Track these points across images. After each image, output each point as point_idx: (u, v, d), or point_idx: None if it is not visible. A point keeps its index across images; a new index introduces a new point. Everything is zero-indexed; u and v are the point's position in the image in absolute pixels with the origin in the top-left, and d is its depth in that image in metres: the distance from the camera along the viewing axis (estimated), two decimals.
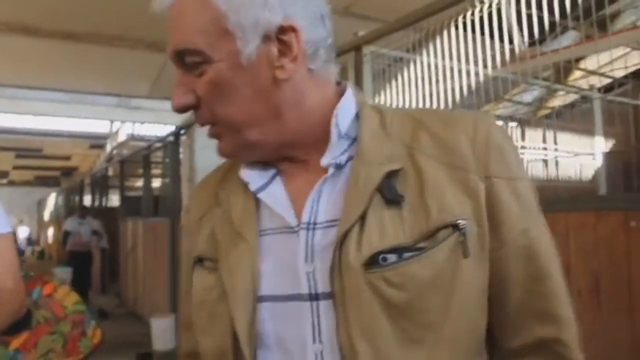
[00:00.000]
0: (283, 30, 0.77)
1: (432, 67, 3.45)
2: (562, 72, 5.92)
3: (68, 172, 21.20)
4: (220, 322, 0.81)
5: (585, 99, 5.68)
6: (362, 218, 0.75)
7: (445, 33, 3.38)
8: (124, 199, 10.70)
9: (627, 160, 4.70)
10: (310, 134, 0.83)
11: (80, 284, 8.46)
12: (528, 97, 6.66)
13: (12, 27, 4.71)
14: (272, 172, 0.87)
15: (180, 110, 0.82)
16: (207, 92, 0.79)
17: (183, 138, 6.67)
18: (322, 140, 0.81)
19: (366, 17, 4.88)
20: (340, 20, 4.76)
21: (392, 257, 0.73)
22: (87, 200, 14.49)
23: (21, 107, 6.50)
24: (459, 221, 0.74)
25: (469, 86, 3.57)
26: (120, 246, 10.11)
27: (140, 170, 9.24)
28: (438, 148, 0.79)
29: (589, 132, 5.41)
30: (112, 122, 7.53)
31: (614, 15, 5.79)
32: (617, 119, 5.17)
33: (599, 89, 6.20)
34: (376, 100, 3.44)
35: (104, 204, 12.91)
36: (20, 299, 1.73)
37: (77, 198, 15.72)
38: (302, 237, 0.79)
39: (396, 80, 3.51)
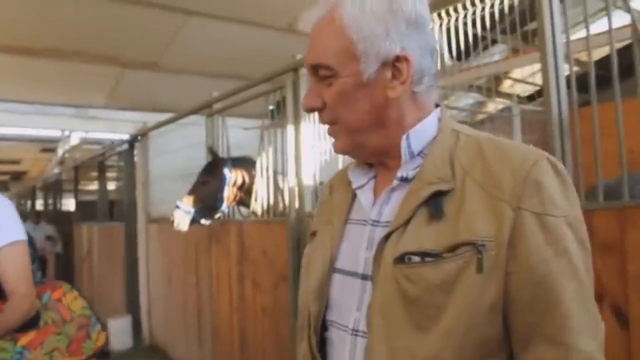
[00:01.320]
0: (398, 59, 0.94)
1: None
2: (496, 80, 6.41)
3: (17, 176, 20.81)
4: (305, 284, 1.07)
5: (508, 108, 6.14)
6: (406, 225, 0.91)
7: None
8: (78, 203, 10.66)
9: None
10: (399, 148, 0.98)
11: None
12: (463, 102, 7.08)
13: None
14: (371, 175, 1.06)
15: (310, 110, 1.02)
16: (333, 100, 0.97)
17: (137, 144, 6.83)
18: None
19: (308, 34, 5.19)
20: (283, 38, 5.05)
21: (416, 259, 0.88)
22: (40, 204, 14.33)
23: None
24: (479, 241, 0.85)
25: None
26: (75, 251, 10.06)
27: (94, 174, 9.33)
28: (486, 176, 0.90)
29: (509, 139, 5.86)
30: (70, 131, 7.75)
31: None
32: (536, 127, 5.58)
33: (522, 98, 6.71)
34: (311, 115, 3.83)
35: (57, 208, 12.84)
36: (31, 302, 1.89)
37: (29, 203, 15.51)
38: (367, 230, 1.00)
39: None
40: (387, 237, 0.93)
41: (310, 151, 3.79)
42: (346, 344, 0.97)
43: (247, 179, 4.19)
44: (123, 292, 7.06)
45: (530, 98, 6.91)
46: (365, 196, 1.04)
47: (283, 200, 4.05)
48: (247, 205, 4.26)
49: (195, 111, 5.18)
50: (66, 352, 1.96)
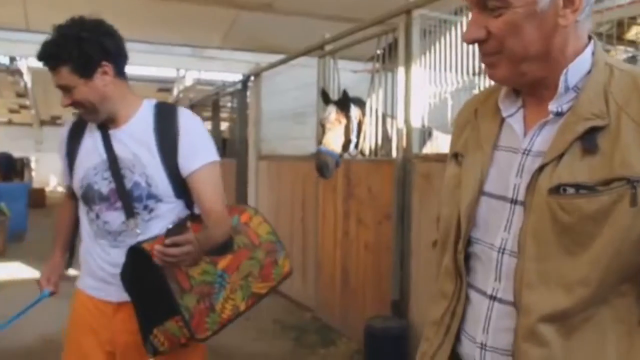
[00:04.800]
0: None
1: None
2: (620, 26, 6.00)
3: None
4: (453, 200, 1.13)
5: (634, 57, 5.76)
6: (560, 157, 0.95)
7: None
8: None
9: None
10: (555, 79, 1.00)
11: None
12: None
13: None
14: (518, 104, 1.09)
15: (472, 41, 1.02)
16: (501, 30, 0.97)
17: (250, 85, 7.08)
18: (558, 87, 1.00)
19: None
20: None
21: (570, 190, 0.92)
22: None
23: None
24: (634, 177, 0.88)
25: None
26: None
27: (207, 113, 9.80)
28: None
29: None
30: (186, 70, 8.18)
31: None
32: None
33: None
34: (422, 59, 3.86)
35: None
36: (228, 222, 1.88)
37: None
38: (518, 158, 1.04)
39: (442, 40, 3.87)
40: (541, 167, 0.97)
41: (419, 95, 3.84)
42: (492, 260, 1.04)
43: (360, 119, 4.29)
44: None
45: None
46: (517, 125, 1.08)
47: (390, 141, 4.13)
48: (356, 145, 4.38)
49: (307, 52, 5.31)
50: (259, 277, 1.92)
